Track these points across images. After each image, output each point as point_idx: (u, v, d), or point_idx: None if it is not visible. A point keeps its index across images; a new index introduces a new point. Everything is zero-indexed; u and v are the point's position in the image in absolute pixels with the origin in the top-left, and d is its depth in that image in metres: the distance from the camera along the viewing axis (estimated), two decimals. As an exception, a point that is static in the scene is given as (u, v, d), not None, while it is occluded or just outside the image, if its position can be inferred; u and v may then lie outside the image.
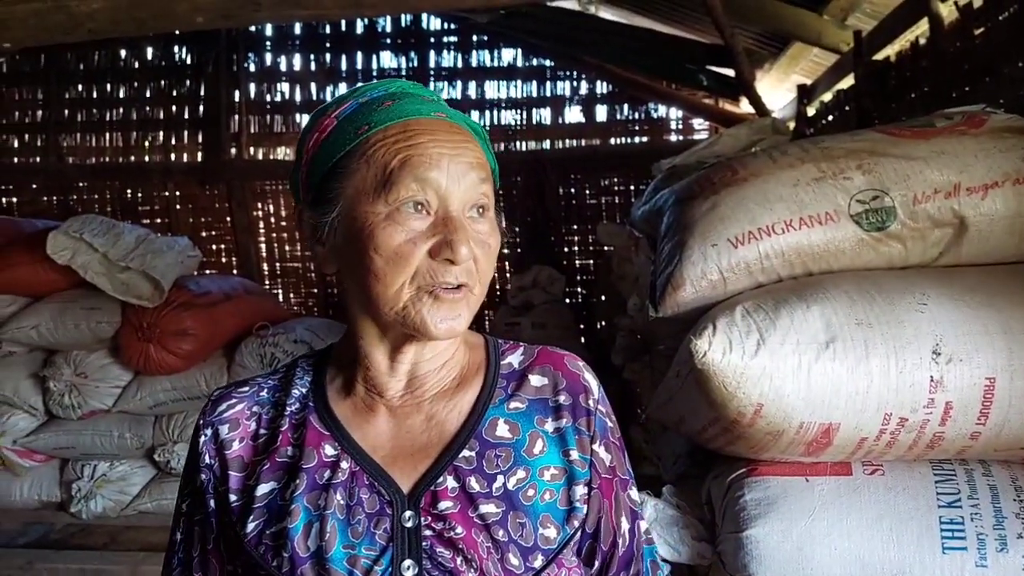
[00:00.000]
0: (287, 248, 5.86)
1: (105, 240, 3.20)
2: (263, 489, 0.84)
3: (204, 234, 5.73)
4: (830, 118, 3.52)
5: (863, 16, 3.47)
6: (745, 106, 4.78)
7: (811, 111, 3.86)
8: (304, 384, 0.91)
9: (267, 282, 5.81)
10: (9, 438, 3.32)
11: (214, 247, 5.80)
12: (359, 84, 0.89)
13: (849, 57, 3.26)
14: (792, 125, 3.84)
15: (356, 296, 0.85)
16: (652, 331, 2.26)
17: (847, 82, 3.36)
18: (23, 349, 3.40)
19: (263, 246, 5.86)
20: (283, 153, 5.90)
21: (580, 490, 0.86)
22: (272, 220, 5.84)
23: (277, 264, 5.88)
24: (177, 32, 5.53)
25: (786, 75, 4.40)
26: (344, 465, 0.84)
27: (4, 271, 3.31)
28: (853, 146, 1.45)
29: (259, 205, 5.82)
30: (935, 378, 1.20)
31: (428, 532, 0.81)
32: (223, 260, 5.82)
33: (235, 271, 5.64)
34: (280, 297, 5.77)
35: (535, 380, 0.91)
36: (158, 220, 5.72)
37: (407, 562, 0.80)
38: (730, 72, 4.56)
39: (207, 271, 5.11)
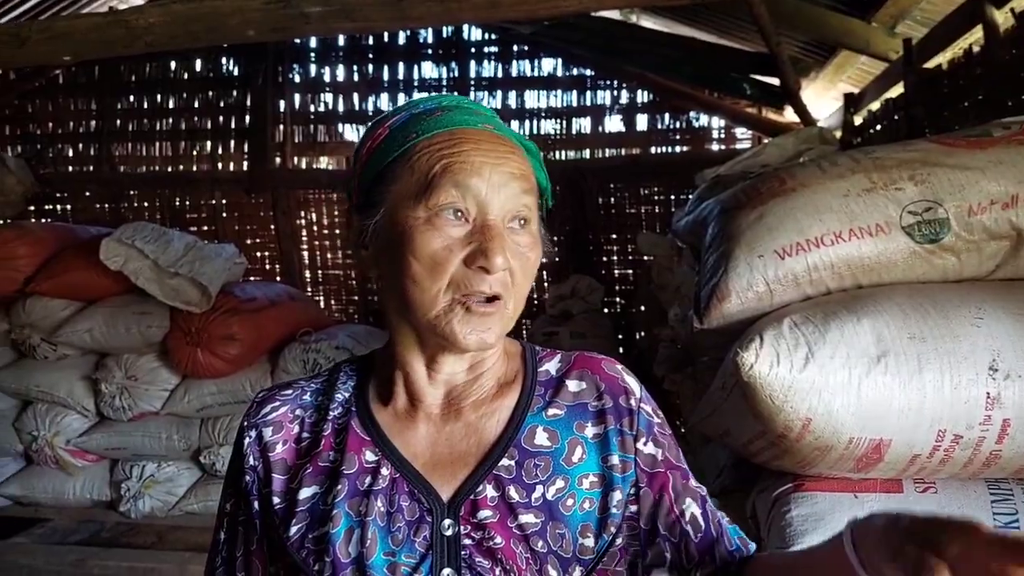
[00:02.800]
0: (329, 256, 5.94)
1: (156, 247, 3.28)
2: (305, 493, 0.85)
3: (249, 241, 5.84)
4: (878, 127, 3.46)
5: (913, 23, 3.41)
6: (789, 115, 4.72)
7: (858, 120, 3.80)
8: (347, 389, 0.92)
9: (310, 289, 5.90)
10: (63, 438, 3.42)
11: (259, 254, 5.90)
12: (415, 97, 0.89)
13: (898, 65, 3.20)
14: (838, 135, 3.78)
15: (395, 301, 0.85)
16: (696, 343, 2.24)
17: (896, 91, 3.30)
18: (77, 352, 3.50)
19: (306, 254, 5.95)
20: (326, 163, 5.99)
21: (617, 496, 0.85)
22: (315, 228, 5.93)
23: (319, 271, 5.96)
24: (225, 45, 5.67)
25: (832, 84, 4.33)
26: (384, 472, 0.84)
27: (60, 276, 3.42)
28: (905, 156, 1.43)
29: (302, 213, 5.91)
30: (992, 395, 1.17)
31: (467, 541, 0.81)
32: (267, 267, 5.92)
33: (279, 278, 5.73)
34: (322, 304, 5.84)
35: (573, 385, 0.90)
36: (205, 228, 5.85)
37: (447, 571, 0.80)
38: (775, 81, 4.50)
39: (252, 278, 5.22)
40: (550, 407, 0.88)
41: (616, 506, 0.85)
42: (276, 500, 0.86)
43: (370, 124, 0.90)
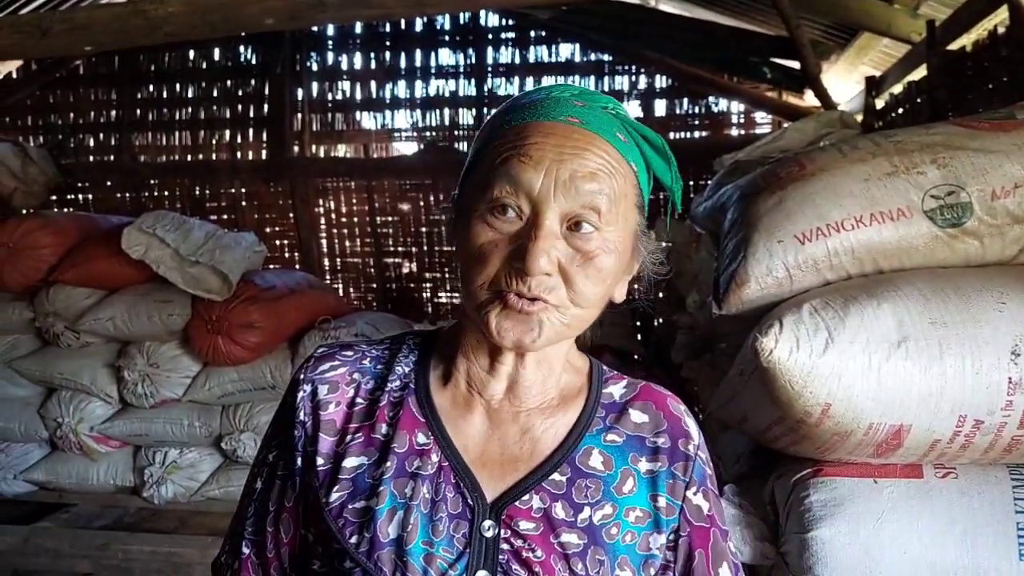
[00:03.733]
0: (348, 244, 5.97)
1: (176, 236, 3.32)
2: (352, 462, 0.83)
3: (268, 230, 5.87)
4: (900, 111, 3.41)
5: (936, 4, 3.35)
6: (810, 99, 4.66)
7: (880, 104, 3.74)
8: (408, 363, 0.89)
9: (328, 277, 5.93)
10: (87, 425, 3.48)
11: (278, 243, 5.94)
12: (548, 86, 0.87)
13: (921, 47, 3.15)
14: (860, 118, 3.73)
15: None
16: (714, 329, 2.24)
17: (919, 73, 3.25)
18: (100, 340, 3.55)
19: (324, 242, 5.98)
20: (344, 151, 6.01)
21: (661, 539, 0.83)
22: (333, 216, 5.96)
23: (338, 260, 5.99)
24: (243, 33, 5.69)
25: (854, 67, 4.28)
26: (434, 458, 0.82)
27: (83, 265, 3.47)
28: (927, 140, 1.41)
29: (320, 202, 5.93)
30: (1014, 380, 1.16)
31: (506, 547, 0.79)
32: (286, 255, 5.96)
33: (298, 266, 5.77)
34: (341, 292, 5.88)
35: (635, 416, 0.88)
36: (225, 216, 5.89)
37: (482, 573, 0.78)
38: (795, 64, 4.45)
39: (271, 266, 5.25)
40: (610, 432, 0.86)
41: (659, 549, 0.83)
42: (320, 461, 0.84)
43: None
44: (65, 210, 5.85)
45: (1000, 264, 1.37)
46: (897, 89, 3.53)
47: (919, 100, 3.15)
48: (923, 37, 3.11)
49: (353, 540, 0.79)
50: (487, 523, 0.79)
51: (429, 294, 5.90)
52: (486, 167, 0.79)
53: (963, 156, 1.35)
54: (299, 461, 0.85)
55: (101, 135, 6.15)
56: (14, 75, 6.06)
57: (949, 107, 2.76)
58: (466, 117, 5.72)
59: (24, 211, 4.64)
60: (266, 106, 5.88)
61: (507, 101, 0.86)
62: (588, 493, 0.82)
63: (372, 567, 0.77)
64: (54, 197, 5.84)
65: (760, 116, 5.45)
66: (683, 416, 0.89)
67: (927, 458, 1.26)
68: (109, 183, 6.11)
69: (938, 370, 1.17)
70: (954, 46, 2.90)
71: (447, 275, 5.83)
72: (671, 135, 5.57)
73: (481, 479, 0.82)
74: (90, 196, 6.13)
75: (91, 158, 6.15)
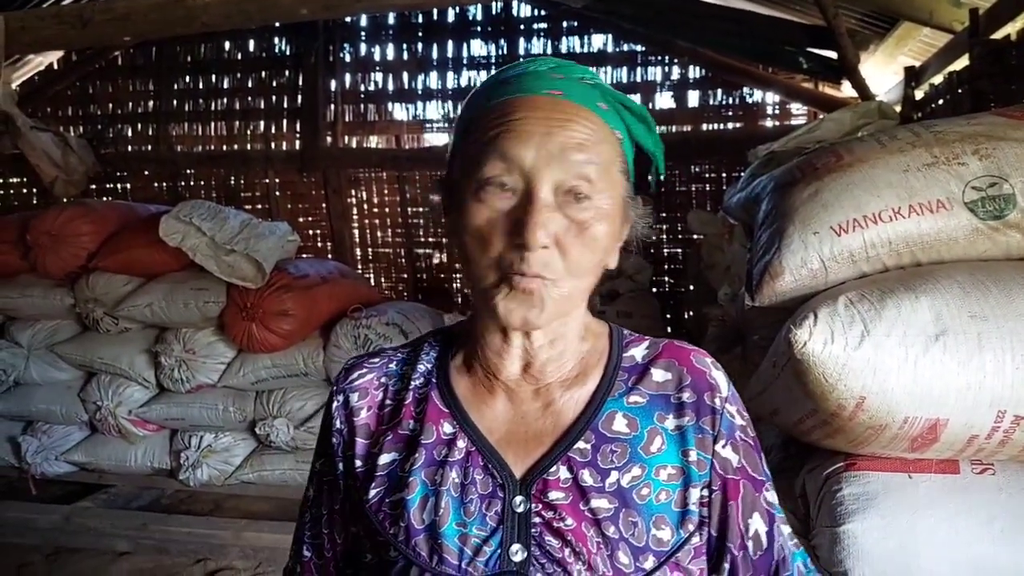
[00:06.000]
0: (379, 234, 6.03)
1: (212, 224, 3.37)
2: (385, 459, 0.87)
3: (301, 220, 5.95)
4: (940, 102, 3.33)
5: (979, -7, 3.27)
6: (847, 90, 4.58)
7: (919, 94, 3.67)
8: (430, 360, 0.92)
9: (360, 266, 6.00)
10: (125, 408, 3.56)
11: (311, 232, 6.02)
12: (523, 61, 0.86)
13: (963, 37, 3.08)
14: (898, 109, 3.66)
15: (464, 272, 0.85)
16: (746, 321, 2.22)
17: (960, 63, 3.17)
18: (137, 326, 3.62)
19: (356, 232, 6.04)
20: (376, 142, 6.05)
21: (696, 493, 0.83)
22: (365, 206, 6.01)
23: (369, 249, 6.05)
24: (277, 24, 5.74)
25: (892, 57, 4.19)
26: (461, 444, 0.84)
27: (121, 252, 3.54)
28: (969, 130, 1.38)
29: (353, 192, 5.99)
30: (1056, 375, 1.14)
31: (537, 519, 0.80)
32: (319, 245, 6.03)
33: (330, 255, 5.84)
34: (372, 281, 5.94)
35: (658, 375, 0.87)
36: (259, 206, 5.98)
37: (516, 546, 0.80)
38: (832, 54, 4.37)
39: (304, 255, 5.32)
40: (632, 394, 0.86)
41: (695, 503, 0.83)
42: (358, 463, 0.88)
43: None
44: (104, 199, 5.98)
45: (1043, 257, 1.35)
46: (937, 80, 3.45)
47: (960, 91, 3.08)
48: (965, 26, 3.04)
49: (392, 531, 0.83)
50: (518, 499, 0.81)
51: (459, 284, 5.93)
52: (474, 147, 0.79)
53: (1006, 147, 1.32)
54: (340, 466, 0.90)
55: (139, 125, 6.28)
56: (55, 66, 6.19)
57: (991, 98, 2.70)
58: (498, 108, 5.72)
59: (65, 199, 4.75)
60: (300, 97, 5.94)
61: (484, 80, 0.86)
62: (614, 457, 0.83)
63: (411, 553, 0.81)
64: (93, 186, 5.97)
65: (796, 107, 5.38)
66: (708, 369, 0.88)
67: (964, 454, 1.25)
68: (147, 172, 6.23)
69: (977, 364, 1.15)
70: (998, 35, 2.83)
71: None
72: (704, 126, 5.53)
73: (508, 458, 0.83)
74: (128, 185, 6.26)
75: (129, 148, 6.28)
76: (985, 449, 1.22)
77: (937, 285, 1.24)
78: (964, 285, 1.22)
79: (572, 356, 0.88)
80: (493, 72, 0.88)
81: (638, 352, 0.90)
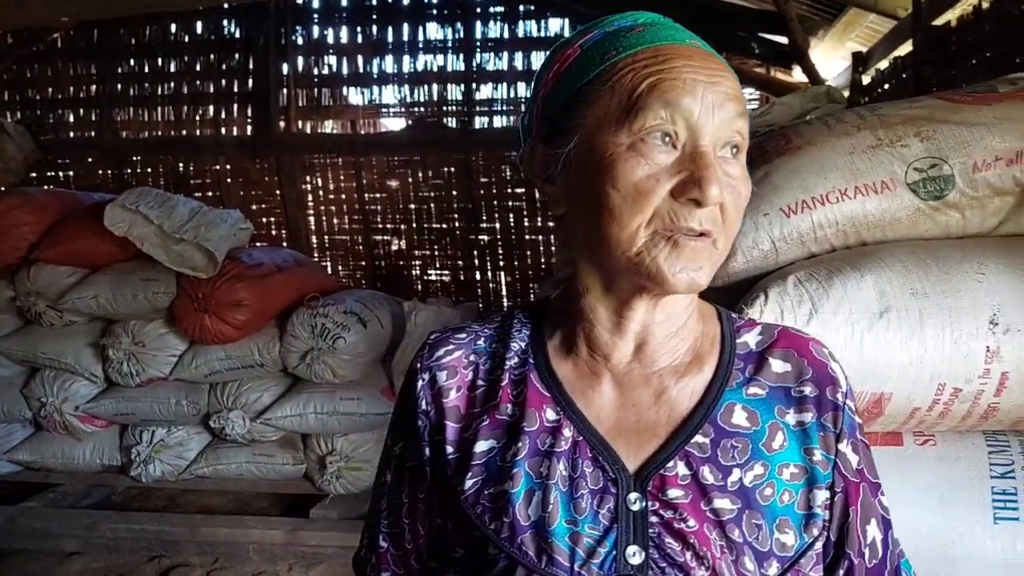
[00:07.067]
0: (335, 221, 5.94)
1: (160, 212, 3.29)
2: (482, 446, 0.80)
3: (255, 207, 5.84)
4: (886, 86, 3.42)
5: (923, -21, 3.35)
6: (798, 75, 4.66)
7: (866, 79, 3.75)
8: (523, 338, 0.85)
9: (316, 254, 5.91)
10: (71, 404, 3.47)
11: (264, 220, 5.90)
12: (607, 16, 0.80)
13: (907, 23, 3.16)
14: (847, 94, 3.74)
15: (584, 241, 0.77)
16: (699, 303, 2.25)
17: (904, 49, 3.26)
18: (83, 319, 3.53)
19: (312, 219, 5.95)
20: (330, 127, 5.96)
21: (821, 495, 0.77)
22: (320, 193, 5.92)
23: (326, 237, 5.97)
24: (226, 5, 5.60)
25: (841, 42, 4.28)
26: (567, 433, 0.78)
27: (64, 243, 3.44)
28: (911, 113, 1.41)
29: (307, 178, 5.89)
30: (991, 348, 1.18)
31: (655, 519, 0.74)
32: (273, 232, 5.93)
33: (285, 243, 5.74)
34: (329, 269, 5.87)
35: (776, 365, 0.81)
36: (210, 193, 5.84)
37: (632, 548, 0.73)
38: (783, 40, 4.45)
39: (258, 243, 5.22)
40: (750, 385, 0.80)
41: (820, 506, 0.77)
42: (449, 449, 0.81)
43: (555, 47, 0.81)
44: (45, 187, 5.79)
45: (980, 236, 1.39)
46: (883, 65, 3.54)
47: (904, 75, 3.16)
48: (909, 13, 3.12)
49: (493, 526, 0.76)
50: (632, 495, 0.75)
51: (418, 271, 5.89)
52: (622, 96, 0.72)
53: (946, 129, 1.36)
54: (427, 451, 0.83)
55: (81, 110, 6.06)
56: (-9, 49, 5.95)
57: (934, 83, 2.77)
58: (454, 92, 5.67)
59: (2, 188, 4.58)
60: (251, 81, 5.80)
61: (589, 33, 0.79)
62: (735, 453, 0.76)
63: (516, 552, 0.74)
64: (34, 174, 5.78)
65: (748, 92, 5.45)
66: (828, 361, 0.83)
67: (907, 426, 1.29)
68: (90, 159, 6.03)
69: (918, 340, 1.19)
70: (939, 21, 2.91)
71: (436, 252, 5.81)
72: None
73: (619, 450, 0.77)
74: (71, 173, 6.06)
75: (71, 134, 6.07)
76: (926, 421, 1.26)
77: (881, 263, 1.27)
78: (906, 263, 1.26)
79: (686, 338, 0.82)
80: (569, 35, 0.81)
81: (751, 338, 0.84)
